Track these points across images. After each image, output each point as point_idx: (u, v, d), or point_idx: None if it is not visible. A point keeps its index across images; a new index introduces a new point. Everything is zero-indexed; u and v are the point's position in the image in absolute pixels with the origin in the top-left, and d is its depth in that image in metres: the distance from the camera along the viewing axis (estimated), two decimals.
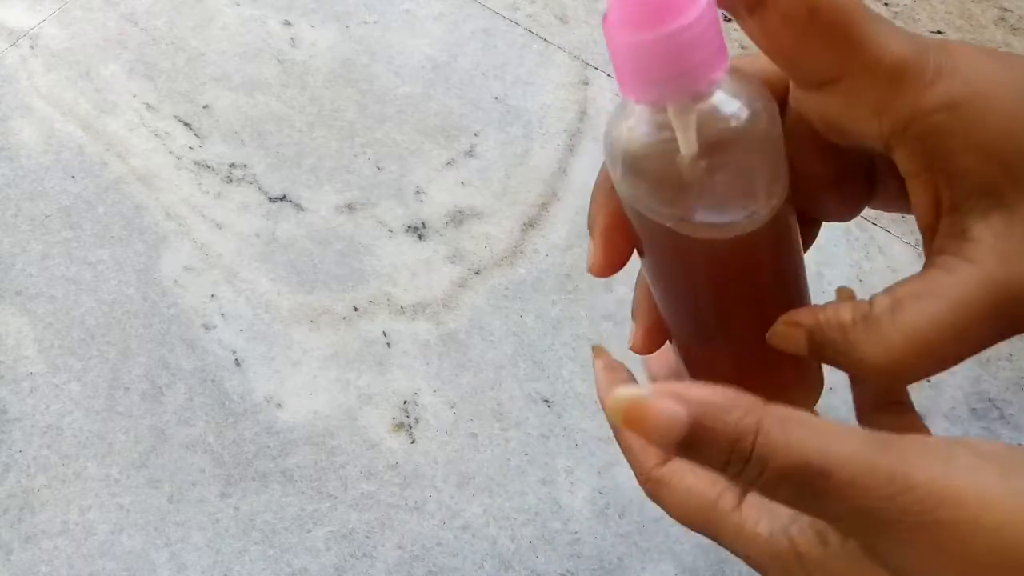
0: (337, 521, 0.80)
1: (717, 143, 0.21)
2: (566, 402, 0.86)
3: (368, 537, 0.79)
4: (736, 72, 0.21)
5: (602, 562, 0.79)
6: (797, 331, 0.24)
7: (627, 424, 0.20)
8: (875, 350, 0.21)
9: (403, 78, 1.07)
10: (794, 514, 0.23)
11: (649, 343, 0.28)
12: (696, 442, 0.19)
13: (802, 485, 0.19)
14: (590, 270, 0.26)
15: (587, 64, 1.10)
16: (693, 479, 0.27)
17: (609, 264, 0.26)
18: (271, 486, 0.81)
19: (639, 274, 0.29)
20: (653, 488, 0.29)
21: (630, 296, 0.29)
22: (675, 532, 0.80)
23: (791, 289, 0.26)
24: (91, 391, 0.85)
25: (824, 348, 0.23)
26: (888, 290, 0.22)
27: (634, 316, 0.28)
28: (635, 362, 0.35)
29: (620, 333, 0.89)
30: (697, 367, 0.30)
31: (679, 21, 0.19)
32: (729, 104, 0.21)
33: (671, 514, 0.28)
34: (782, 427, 0.19)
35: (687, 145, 0.21)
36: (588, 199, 0.26)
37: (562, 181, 0.99)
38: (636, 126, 0.22)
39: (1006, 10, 1.21)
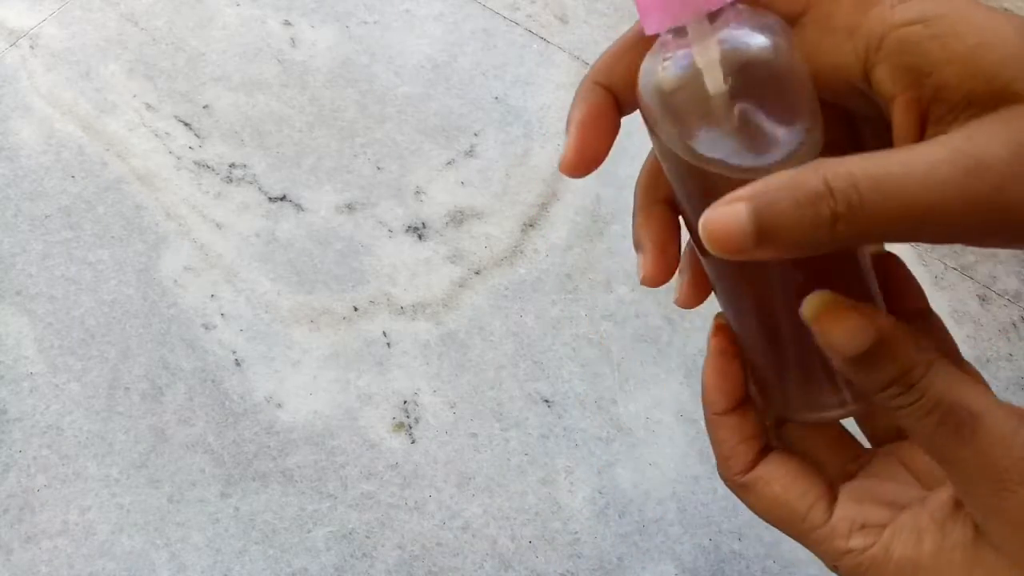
0: (337, 521, 0.80)
1: (743, 76, 0.21)
2: (566, 402, 0.86)
3: (368, 537, 0.79)
4: (748, 6, 0.22)
5: (602, 562, 0.79)
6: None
7: (819, 322, 0.21)
8: (833, 172, 0.21)
9: (403, 78, 1.07)
10: (889, 516, 0.23)
11: (659, 272, 0.26)
12: (873, 358, 0.21)
13: (950, 421, 0.20)
14: (561, 168, 0.25)
15: (587, 64, 1.10)
16: (780, 489, 0.27)
17: (582, 159, 0.25)
18: (271, 486, 0.81)
19: (637, 201, 0.27)
20: (738, 491, 0.29)
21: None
22: (675, 532, 0.80)
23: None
24: (91, 391, 0.85)
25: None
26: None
27: (641, 247, 0.26)
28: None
29: (620, 333, 0.89)
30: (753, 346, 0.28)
31: None
32: (747, 35, 0.21)
33: (755, 513, 0.28)
34: (949, 371, 0.21)
35: (714, 82, 0.21)
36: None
37: (562, 181, 0.99)
38: (667, 67, 0.22)
39: (1006, 10, 1.21)
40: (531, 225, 0.97)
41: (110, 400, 0.85)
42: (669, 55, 0.22)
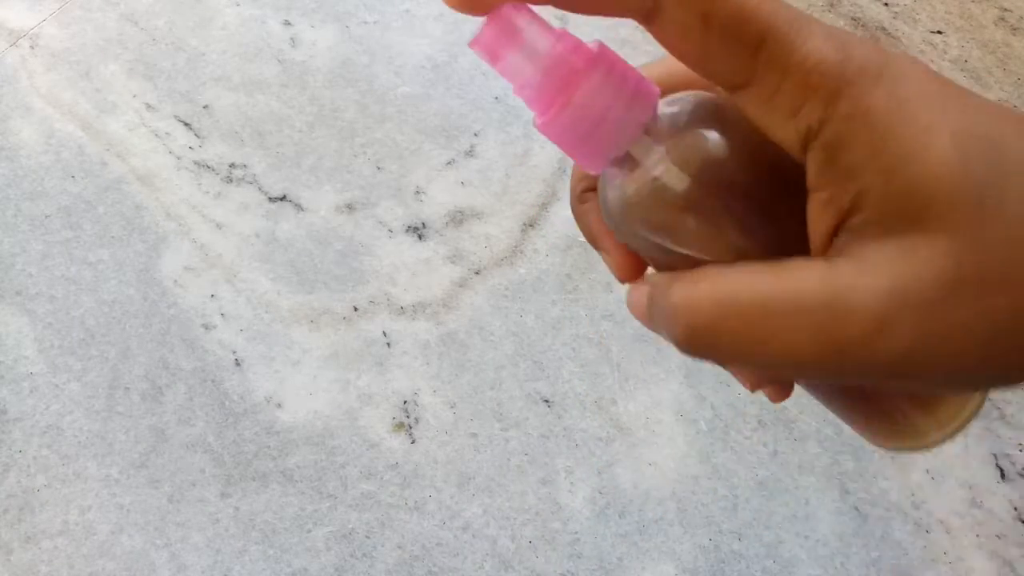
0: (337, 521, 0.80)
1: (702, 162, 0.21)
2: (566, 402, 0.86)
3: (368, 537, 0.79)
4: (678, 96, 0.22)
5: (602, 562, 0.79)
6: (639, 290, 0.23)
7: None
8: (680, 295, 0.20)
9: (403, 78, 1.07)
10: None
11: (630, 270, 0.26)
12: None
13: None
14: (620, 278, 0.25)
15: None
16: None
17: (635, 268, 0.25)
18: (271, 486, 0.81)
19: (575, 201, 0.27)
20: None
21: None
22: (675, 532, 0.80)
23: None
24: (91, 391, 0.85)
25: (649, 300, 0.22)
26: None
27: (600, 246, 0.26)
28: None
29: (620, 333, 0.89)
30: None
31: (583, 84, 0.20)
32: (692, 132, 0.21)
33: None
34: None
35: (677, 179, 0.21)
36: None
37: (562, 181, 0.99)
38: (622, 185, 0.22)
39: (1006, 10, 1.21)
40: (531, 225, 0.97)
41: (110, 400, 0.85)
42: (621, 179, 0.22)
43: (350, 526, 0.79)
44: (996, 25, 1.20)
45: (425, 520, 0.80)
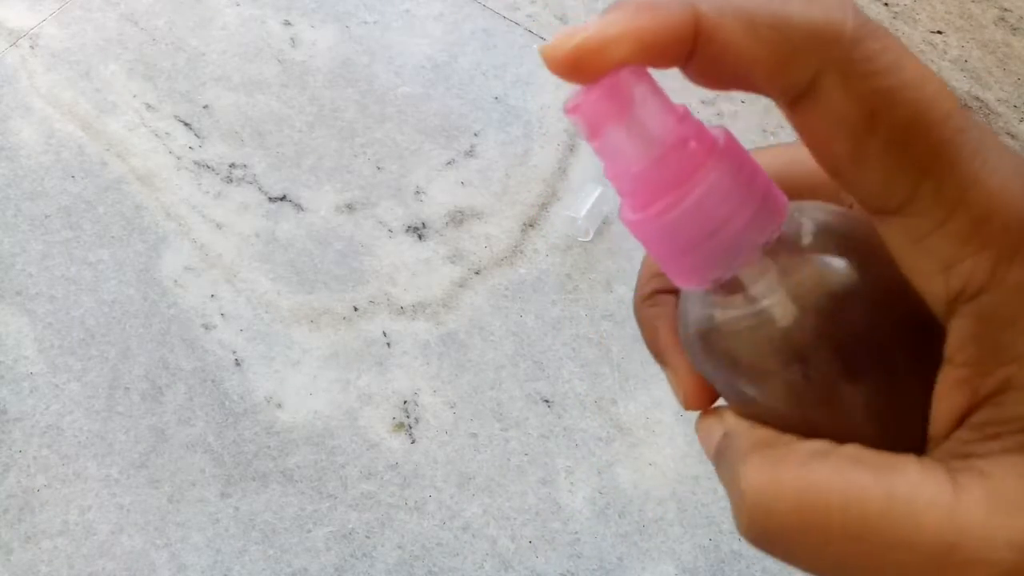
0: (337, 521, 0.80)
1: (823, 300, 0.16)
2: (566, 402, 0.86)
3: (368, 537, 0.79)
4: (800, 202, 0.17)
5: (602, 562, 0.79)
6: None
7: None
8: (756, 476, 0.16)
9: (403, 78, 1.07)
10: None
11: (701, 399, 0.21)
12: None
13: None
14: (685, 405, 0.20)
15: None
16: None
17: (706, 397, 0.20)
18: (271, 486, 0.81)
19: (640, 298, 0.22)
20: None
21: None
22: (675, 532, 0.80)
23: None
24: (91, 391, 0.85)
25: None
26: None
27: (667, 363, 0.20)
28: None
29: (620, 333, 0.89)
30: None
31: (702, 183, 0.16)
32: (808, 242, 0.17)
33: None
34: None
35: (784, 310, 0.16)
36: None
37: (562, 181, 0.99)
38: (716, 305, 0.17)
39: (1006, 10, 1.21)
40: (531, 225, 0.97)
41: (110, 400, 0.85)
42: (715, 296, 0.17)
43: (350, 526, 0.79)
44: (996, 25, 1.20)
45: (425, 520, 0.80)
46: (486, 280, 0.93)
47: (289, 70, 1.07)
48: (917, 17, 1.20)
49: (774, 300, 0.16)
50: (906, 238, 0.15)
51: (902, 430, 0.16)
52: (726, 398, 0.19)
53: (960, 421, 0.15)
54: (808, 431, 0.16)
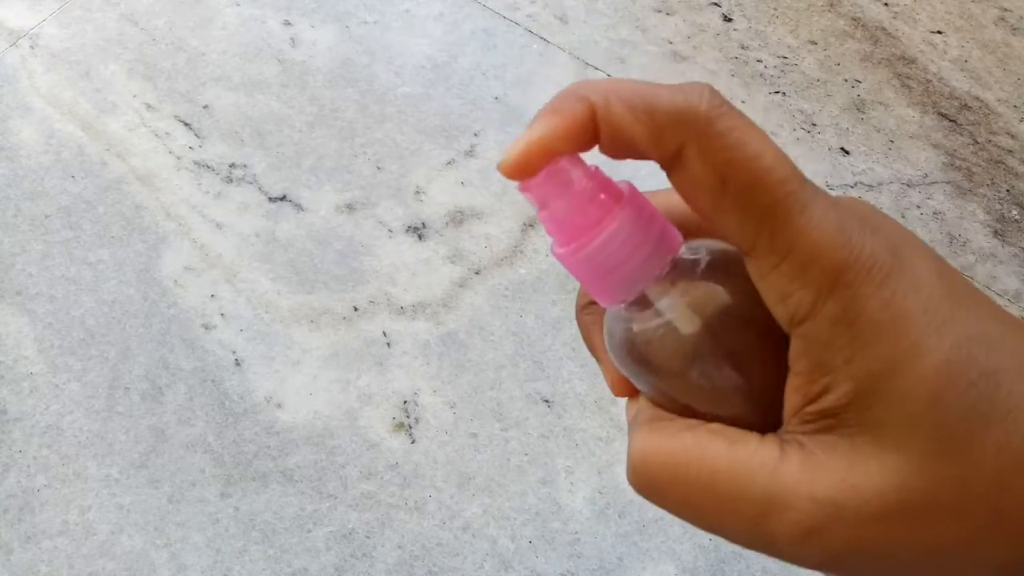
0: (337, 521, 0.80)
1: (713, 308, 0.21)
2: (566, 402, 0.86)
3: (368, 537, 0.79)
4: (694, 241, 0.22)
5: (602, 562, 0.79)
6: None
7: None
8: (639, 442, 0.21)
9: (403, 78, 1.07)
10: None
11: (624, 389, 0.26)
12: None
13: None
14: (615, 393, 0.25)
15: (587, 64, 1.10)
16: None
17: (629, 387, 0.25)
18: (271, 486, 0.81)
19: (581, 313, 0.27)
20: None
21: None
22: (675, 532, 0.80)
23: None
24: (91, 391, 0.85)
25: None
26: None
27: (599, 359, 0.26)
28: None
29: None
30: None
31: (609, 225, 0.21)
32: (700, 269, 0.21)
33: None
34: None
35: (687, 322, 0.21)
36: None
37: None
38: (630, 321, 0.22)
39: (1006, 10, 1.21)
40: (531, 225, 0.97)
41: (110, 400, 0.85)
42: (628, 314, 0.22)
43: (350, 526, 0.79)
44: (996, 25, 1.20)
45: (425, 520, 0.80)
46: (486, 280, 0.93)
47: (289, 70, 1.07)
48: (917, 17, 1.20)
49: (671, 311, 0.21)
50: (756, 274, 0.20)
51: (761, 412, 0.21)
52: (639, 388, 0.24)
53: (797, 413, 0.20)
54: (692, 413, 0.22)
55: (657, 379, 0.22)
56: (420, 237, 0.95)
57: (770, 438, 0.20)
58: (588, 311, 0.26)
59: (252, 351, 0.88)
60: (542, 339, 0.89)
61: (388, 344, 0.89)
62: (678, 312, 0.21)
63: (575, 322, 0.26)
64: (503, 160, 0.21)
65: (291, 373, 0.87)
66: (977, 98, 1.12)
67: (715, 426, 0.21)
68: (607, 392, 0.86)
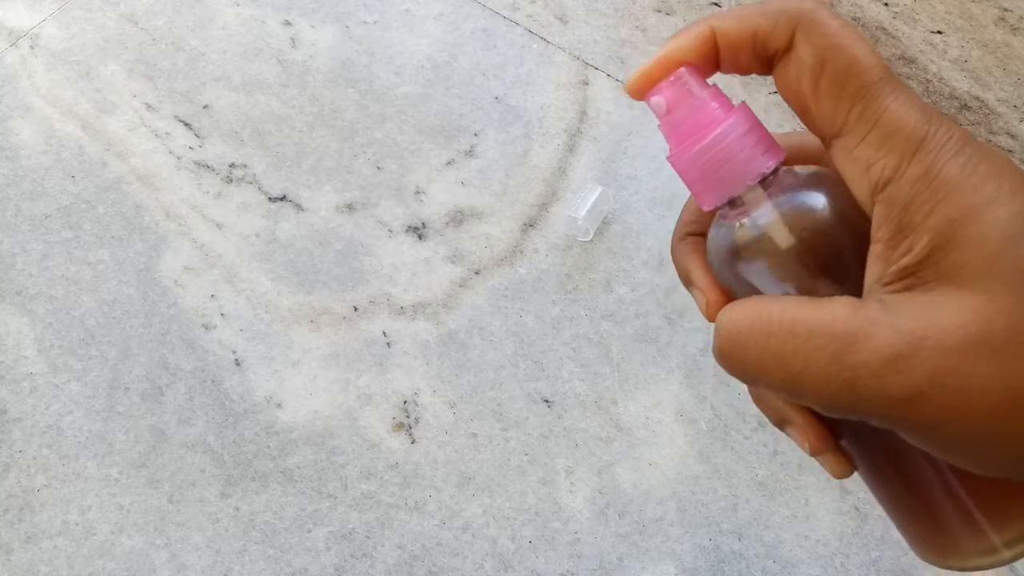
0: (337, 521, 0.80)
1: (807, 231, 0.23)
2: (566, 402, 0.86)
3: (368, 537, 0.79)
4: (799, 166, 0.24)
5: (602, 562, 0.79)
6: None
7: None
8: (726, 312, 0.23)
9: (403, 78, 1.07)
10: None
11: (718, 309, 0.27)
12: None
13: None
14: (707, 316, 0.26)
15: (587, 64, 1.10)
16: None
17: (724, 298, 0.26)
18: (271, 486, 0.81)
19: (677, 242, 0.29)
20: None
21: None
22: (675, 532, 0.80)
23: None
24: (91, 391, 0.85)
25: None
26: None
27: (694, 284, 0.28)
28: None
29: (620, 332, 0.89)
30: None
31: (719, 126, 0.23)
32: (801, 194, 0.23)
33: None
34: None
35: (782, 237, 0.23)
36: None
37: (562, 181, 0.99)
38: (733, 227, 0.24)
39: (1006, 10, 1.21)
40: (531, 225, 0.97)
41: (110, 400, 0.85)
42: (733, 222, 0.24)
43: (350, 526, 0.79)
44: (996, 25, 1.20)
45: (425, 520, 0.80)
46: (486, 280, 0.93)
47: (289, 70, 1.07)
48: (917, 17, 1.20)
49: (770, 219, 0.23)
50: (843, 152, 0.22)
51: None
52: (737, 295, 0.25)
53: (878, 280, 0.21)
54: None
55: (756, 281, 0.24)
56: (420, 237, 0.95)
57: (849, 298, 0.21)
58: (685, 241, 0.27)
59: (252, 351, 0.88)
60: (542, 339, 0.89)
61: (388, 344, 0.89)
62: (778, 220, 0.23)
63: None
64: (631, 79, 0.24)
65: (291, 373, 0.87)
66: (977, 98, 1.12)
67: (798, 297, 0.22)
68: (607, 392, 0.86)
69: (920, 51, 1.17)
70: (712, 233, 0.25)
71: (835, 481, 0.83)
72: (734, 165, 0.23)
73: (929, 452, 0.21)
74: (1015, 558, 0.25)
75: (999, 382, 0.18)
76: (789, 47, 0.22)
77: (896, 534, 0.80)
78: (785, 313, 0.21)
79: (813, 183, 0.23)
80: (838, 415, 0.21)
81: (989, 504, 0.25)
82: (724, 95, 0.24)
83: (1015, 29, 1.19)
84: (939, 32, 1.19)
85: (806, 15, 0.22)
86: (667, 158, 0.24)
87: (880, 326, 0.19)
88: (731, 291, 0.25)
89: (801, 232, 0.23)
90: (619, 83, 1.08)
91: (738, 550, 0.79)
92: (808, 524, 0.81)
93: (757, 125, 0.23)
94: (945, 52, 1.16)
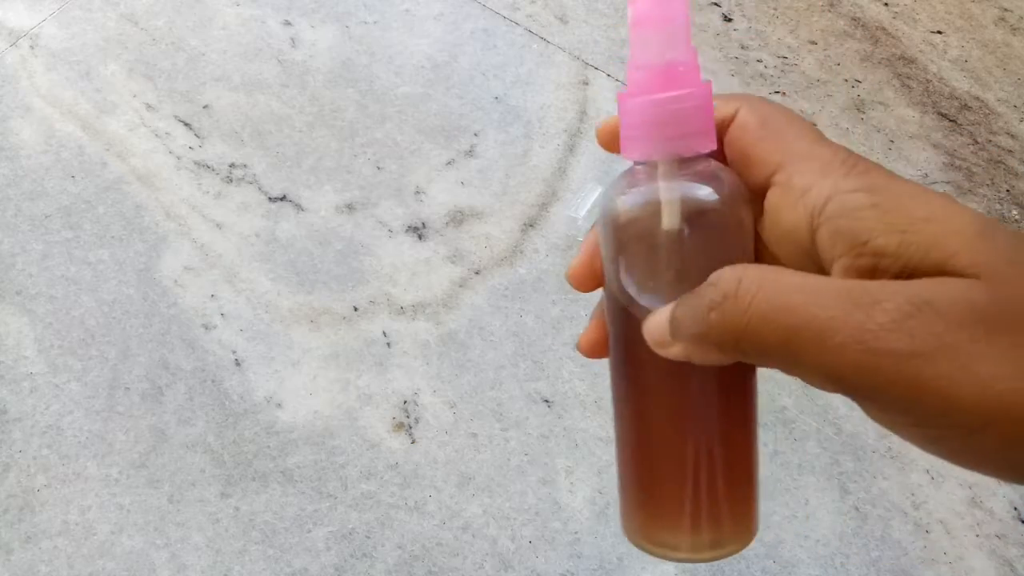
0: (337, 521, 0.80)
1: (696, 223, 0.23)
2: (566, 402, 0.86)
3: (368, 537, 0.79)
4: (720, 166, 0.24)
5: (602, 562, 0.79)
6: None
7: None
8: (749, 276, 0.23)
9: (403, 78, 1.07)
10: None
11: (592, 348, 0.29)
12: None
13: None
14: (569, 276, 0.28)
15: (587, 64, 1.10)
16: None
17: (590, 275, 0.27)
18: (271, 486, 0.81)
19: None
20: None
21: None
22: None
23: (748, 402, 0.26)
24: (91, 391, 0.85)
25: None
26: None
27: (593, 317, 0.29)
28: None
29: None
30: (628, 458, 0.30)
31: (679, 90, 0.23)
32: (707, 187, 0.23)
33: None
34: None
35: (670, 217, 0.23)
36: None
37: (562, 181, 0.99)
38: (629, 196, 0.24)
39: (1006, 10, 1.21)
40: (531, 225, 0.97)
41: (110, 400, 0.85)
42: (634, 186, 0.24)
43: (350, 526, 0.79)
44: (996, 25, 1.20)
45: (425, 520, 0.80)
46: (486, 280, 0.93)
47: (289, 70, 1.07)
48: (917, 17, 1.20)
49: (669, 196, 0.23)
50: (781, 187, 0.23)
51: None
52: (604, 261, 0.25)
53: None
54: (627, 299, 0.25)
55: (623, 253, 0.24)
56: (420, 237, 0.95)
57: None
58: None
59: (252, 351, 0.88)
60: (542, 339, 0.89)
61: (388, 344, 0.89)
62: (675, 199, 0.23)
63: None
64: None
65: (291, 373, 0.87)
66: (977, 98, 1.12)
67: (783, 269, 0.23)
68: (607, 392, 0.86)
69: (920, 51, 1.17)
70: (613, 188, 0.25)
71: (835, 481, 0.83)
72: (671, 130, 0.23)
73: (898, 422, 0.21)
74: (713, 559, 0.27)
75: (1003, 356, 0.18)
76: (733, 117, 0.24)
77: (896, 534, 0.81)
78: (801, 284, 0.21)
79: (721, 180, 0.24)
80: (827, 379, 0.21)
81: (732, 503, 0.26)
82: (696, 53, 0.24)
83: (1015, 29, 1.19)
84: (939, 32, 1.19)
85: (749, 97, 0.24)
86: (619, 97, 0.24)
87: (887, 291, 0.19)
88: (599, 247, 0.26)
89: (687, 218, 0.23)
90: (619, 83, 1.08)
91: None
92: (808, 524, 0.81)
93: (708, 106, 0.24)
94: (945, 52, 1.16)
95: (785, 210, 0.22)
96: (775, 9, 1.20)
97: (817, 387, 0.21)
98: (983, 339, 0.18)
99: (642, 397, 0.27)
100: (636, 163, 0.24)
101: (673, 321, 0.23)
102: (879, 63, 1.15)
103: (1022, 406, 0.18)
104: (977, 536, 0.81)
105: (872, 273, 0.20)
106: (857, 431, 0.86)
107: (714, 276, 0.22)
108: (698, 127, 0.23)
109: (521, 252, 0.94)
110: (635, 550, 0.84)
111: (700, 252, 0.23)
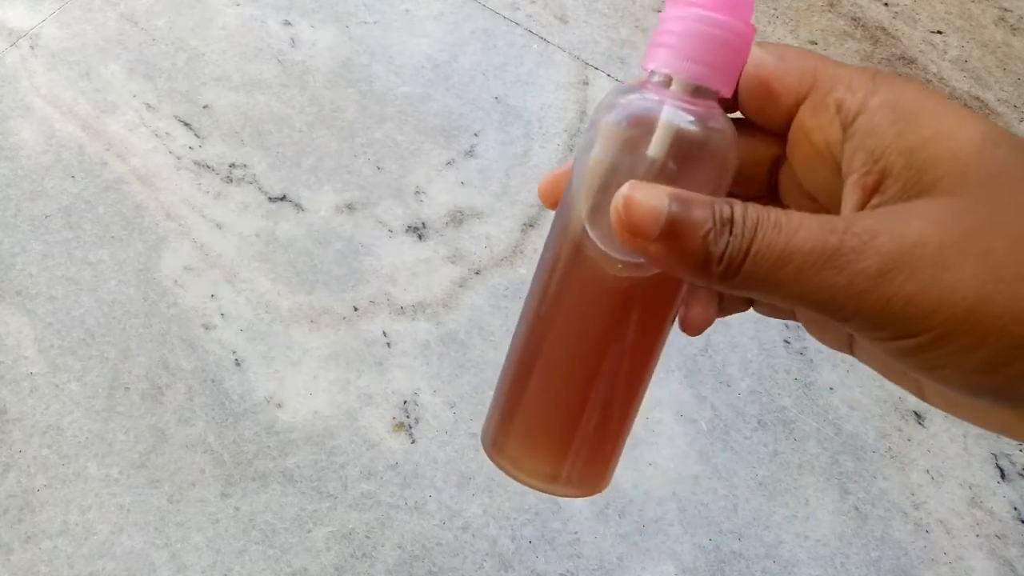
0: (337, 521, 0.80)
1: (681, 156, 0.23)
2: None
3: (368, 537, 0.79)
4: (727, 118, 0.24)
5: (602, 562, 0.79)
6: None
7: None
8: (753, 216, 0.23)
9: (403, 78, 1.07)
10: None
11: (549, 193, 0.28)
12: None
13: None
14: (540, 187, 0.27)
15: (587, 64, 1.10)
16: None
17: (556, 188, 0.27)
18: (271, 486, 0.81)
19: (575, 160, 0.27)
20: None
21: None
22: (675, 532, 0.80)
23: (654, 352, 0.26)
24: (91, 391, 0.85)
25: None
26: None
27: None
28: None
29: None
30: (521, 390, 0.29)
31: (729, 16, 0.23)
32: (708, 126, 0.23)
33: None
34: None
35: (658, 145, 0.22)
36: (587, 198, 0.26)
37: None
38: (634, 99, 0.23)
39: (1006, 10, 1.21)
40: (531, 225, 0.97)
41: (110, 400, 0.85)
42: (642, 93, 0.23)
43: (350, 526, 0.79)
44: (996, 25, 1.20)
45: (425, 520, 0.80)
46: (486, 280, 0.93)
47: (289, 70, 1.07)
48: (917, 17, 1.20)
49: (665, 127, 0.22)
50: (811, 107, 0.23)
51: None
52: (577, 164, 0.25)
53: (861, 208, 0.21)
54: (601, 197, 0.24)
55: (608, 166, 0.23)
56: (420, 237, 0.95)
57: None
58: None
59: (252, 351, 0.88)
60: None
61: (388, 344, 0.89)
62: (671, 132, 0.22)
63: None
64: None
65: (291, 373, 0.87)
66: (977, 98, 1.12)
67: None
68: None
69: (920, 51, 1.17)
70: (620, 87, 0.24)
71: (835, 481, 0.83)
72: (711, 58, 0.23)
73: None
74: (564, 495, 0.26)
75: (978, 270, 0.19)
76: (772, 48, 0.24)
77: (896, 534, 0.80)
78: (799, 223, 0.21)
79: (720, 126, 0.23)
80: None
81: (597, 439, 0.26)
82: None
83: (1015, 29, 1.19)
84: (939, 32, 1.19)
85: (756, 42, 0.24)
86: (667, 5, 0.24)
87: (859, 217, 0.20)
88: (582, 150, 0.25)
89: (673, 152, 0.23)
90: (619, 83, 1.07)
91: (738, 550, 0.79)
92: (808, 524, 0.81)
93: (747, 56, 0.24)
94: (945, 52, 1.16)
95: (817, 130, 0.23)
96: (775, 9, 1.20)
97: (796, 309, 0.21)
98: (951, 251, 0.19)
99: (559, 315, 0.26)
100: (650, 76, 0.24)
101: (673, 220, 0.21)
102: (879, 63, 1.15)
103: (984, 309, 0.19)
104: (977, 536, 0.81)
105: (874, 191, 0.21)
106: (857, 431, 0.86)
107: (722, 201, 0.22)
108: (728, 65, 0.23)
109: (521, 252, 0.94)
110: (635, 550, 0.84)
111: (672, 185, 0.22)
